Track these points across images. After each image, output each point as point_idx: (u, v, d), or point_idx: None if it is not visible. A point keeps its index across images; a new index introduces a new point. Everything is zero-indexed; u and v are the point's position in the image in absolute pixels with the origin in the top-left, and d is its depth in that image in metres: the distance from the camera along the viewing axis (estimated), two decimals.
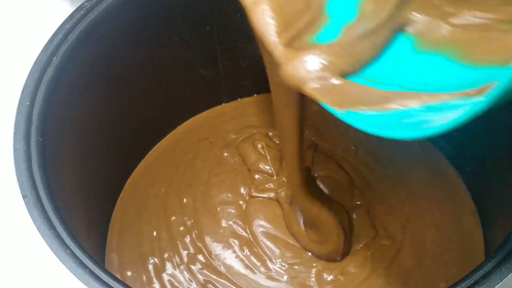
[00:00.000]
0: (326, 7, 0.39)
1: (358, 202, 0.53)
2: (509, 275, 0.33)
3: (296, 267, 0.50)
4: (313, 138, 0.59)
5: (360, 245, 0.51)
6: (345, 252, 0.50)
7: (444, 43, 0.35)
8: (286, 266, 0.50)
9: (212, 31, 0.54)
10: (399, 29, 0.37)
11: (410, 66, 0.36)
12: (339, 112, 0.32)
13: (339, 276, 0.49)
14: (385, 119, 0.31)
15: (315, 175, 0.55)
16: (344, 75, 0.34)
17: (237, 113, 0.62)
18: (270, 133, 0.59)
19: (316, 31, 0.37)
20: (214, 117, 0.62)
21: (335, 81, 0.34)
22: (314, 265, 0.50)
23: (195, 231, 0.53)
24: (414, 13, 0.37)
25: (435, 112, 0.30)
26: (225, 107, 0.63)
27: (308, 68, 0.34)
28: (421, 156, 0.57)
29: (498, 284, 0.33)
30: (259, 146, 0.57)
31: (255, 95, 0.63)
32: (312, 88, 0.34)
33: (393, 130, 0.30)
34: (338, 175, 0.55)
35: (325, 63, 0.34)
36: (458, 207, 0.53)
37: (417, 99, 0.31)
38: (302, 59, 0.34)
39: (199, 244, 0.52)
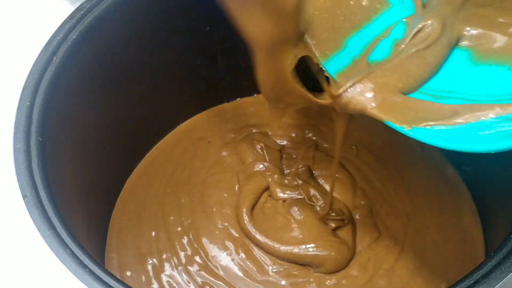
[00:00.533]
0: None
1: (362, 202, 0.53)
2: (509, 275, 0.33)
3: (295, 272, 0.50)
4: (314, 138, 0.59)
5: (364, 247, 0.50)
6: (349, 261, 0.50)
7: (503, 53, 0.36)
8: (283, 270, 0.50)
9: (212, 31, 0.54)
10: (454, 44, 0.38)
11: (471, 79, 0.36)
12: (406, 129, 0.33)
13: (342, 280, 0.49)
14: (459, 133, 0.32)
15: (317, 174, 0.55)
16: (404, 92, 0.35)
17: (237, 113, 0.62)
18: (270, 132, 0.59)
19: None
20: (214, 116, 0.62)
21: (395, 99, 0.35)
22: (313, 270, 0.49)
23: (192, 232, 0.53)
24: (465, 27, 0.37)
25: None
26: (225, 106, 0.63)
27: (365, 92, 0.35)
28: (422, 156, 0.57)
29: (498, 284, 0.33)
30: (258, 146, 0.57)
31: (255, 94, 0.63)
32: (373, 108, 0.35)
33: (472, 144, 0.31)
34: (341, 174, 0.55)
35: (382, 84, 0.35)
36: (459, 207, 0.53)
37: (489, 111, 0.32)
38: (359, 85, 0.36)
39: (196, 245, 0.52)
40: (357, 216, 0.52)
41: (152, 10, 0.49)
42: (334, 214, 0.51)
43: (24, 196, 0.37)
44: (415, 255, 0.50)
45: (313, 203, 0.52)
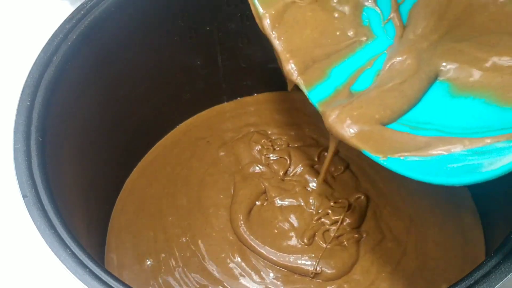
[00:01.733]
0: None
1: (366, 204, 0.53)
2: (509, 275, 0.33)
3: (293, 277, 0.49)
4: (314, 136, 0.58)
5: (368, 250, 0.50)
6: (352, 266, 0.49)
7: (479, 87, 0.37)
8: (281, 276, 0.49)
9: (212, 31, 0.54)
10: (434, 77, 0.39)
11: (448, 111, 0.37)
12: (381, 159, 0.34)
13: (343, 284, 0.48)
14: (430, 165, 0.33)
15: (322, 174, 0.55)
16: (382, 123, 0.37)
17: (237, 112, 0.62)
18: (269, 132, 0.59)
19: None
20: (214, 116, 0.62)
21: (372, 129, 0.36)
22: (312, 275, 0.49)
23: (189, 234, 0.52)
24: (442, 62, 0.38)
25: (483, 156, 0.31)
26: (225, 106, 0.63)
27: (345, 121, 0.37)
28: None
29: (498, 284, 0.33)
30: (256, 148, 0.57)
31: (255, 94, 0.63)
32: (351, 137, 0.36)
33: (442, 176, 0.31)
34: (345, 175, 0.55)
35: (360, 114, 0.37)
36: (459, 207, 0.53)
37: (459, 144, 0.33)
38: (339, 113, 0.37)
39: (193, 248, 0.51)
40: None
41: (152, 10, 0.49)
42: (333, 204, 0.51)
43: (24, 196, 0.37)
44: (417, 256, 0.50)
45: (311, 210, 0.52)
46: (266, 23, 0.41)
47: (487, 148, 0.31)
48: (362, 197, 0.53)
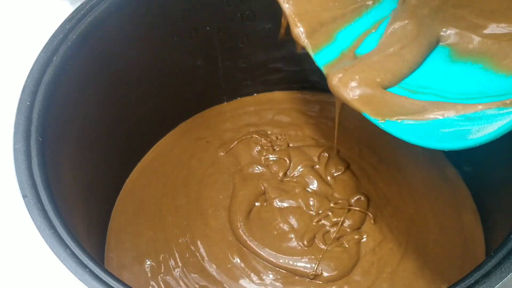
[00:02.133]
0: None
1: (367, 205, 0.52)
2: (509, 275, 0.33)
3: (293, 278, 0.49)
4: (314, 136, 0.58)
5: (368, 252, 0.50)
6: (352, 268, 0.49)
7: (477, 53, 0.37)
8: (280, 278, 0.49)
9: (212, 31, 0.54)
10: (435, 42, 0.39)
11: (447, 76, 0.38)
12: (379, 122, 0.35)
13: (344, 286, 0.48)
14: (424, 129, 0.33)
15: (318, 175, 0.55)
16: (383, 86, 0.37)
17: (237, 112, 0.62)
18: (269, 132, 0.59)
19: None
20: (214, 116, 0.62)
21: (373, 92, 0.37)
22: (312, 277, 0.49)
23: (189, 234, 0.52)
24: (443, 27, 0.39)
25: (473, 122, 0.32)
26: (224, 106, 0.63)
27: (348, 84, 0.38)
28: (422, 155, 0.57)
29: (498, 284, 0.33)
30: (256, 148, 0.57)
31: (255, 94, 0.63)
32: (353, 99, 0.37)
33: (433, 141, 0.32)
34: (346, 175, 0.55)
35: (362, 78, 0.38)
36: (459, 207, 0.53)
37: (452, 109, 0.33)
38: (342, 76, 0.38)
39: (193, 248, 0.51)
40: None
41: (152, 10, 0.49)
42: (333, 205, 0.51)
43: (24, 196, 0.37)
44: (417, 257, 0.50)
45: (311, 211, 0.52)
46: None
47: (478, 115, 0.32)
48: (363, 198, 0.53)
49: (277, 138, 0.58)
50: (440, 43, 0.39)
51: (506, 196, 0.46)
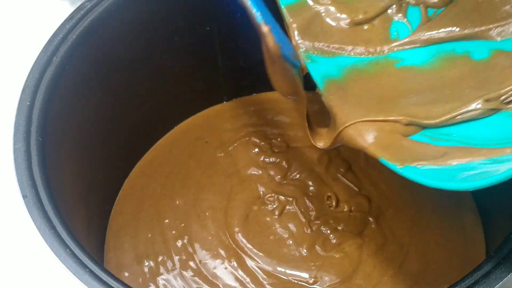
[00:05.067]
0: None
1: (369, 206, 0.52)
2: (509, 275, 0.33)
3: (291, 282, 0.48)
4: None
5: (370, 255, 0.49)
6: (352, 272, 0.49)
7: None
8: (278, 283, 0.48)
9: (212, 31, 0.54)
10: None
11: (473, 123, 0.37)
12: (398, 167, 0.34)
13: None
14: (445, 173, 0.32)
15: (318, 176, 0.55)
16: (405, 135, 0.37)
17: (237, 112, 0.62)
18: (268, 132, 0.59)
19: None
20: (213, 116, 0.62)
21: (392, 138, 0.36)
22: (312, 281, 0.48)
23: (186, 236, 0.52)
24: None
25: (501, 164, 0.31)
26: (224, 106, 0.63)
27: (365, 132, 0.37)
28: None
29: (498, 284, 0.33)
30: (254, 151, 0.56)
31: (255, 94, 0.63)
32: (371, 146, 0.36)
33: (457, 182, 0.31)
34: (348, 177, 0.54)
35: (381, 127, 0.37)
36: (460, 207, 0.53)
37: (477, 154, 0.32)
38: (360, 124, 0.37)
39: (190, 250, 0.51)
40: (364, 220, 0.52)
41: (152, 10, 0.49)
42: (333, 209, 0.51)
43: (24, 196, 0.37)
44: (419, 258, 0.49)
45: (310, 216, 0.51)
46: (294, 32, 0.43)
47: (507, 158, 0.31)
48: (364, 201, 0.52)
49: (276, 138, 0.58)
50: None
51: (506, 196, 0.46)
